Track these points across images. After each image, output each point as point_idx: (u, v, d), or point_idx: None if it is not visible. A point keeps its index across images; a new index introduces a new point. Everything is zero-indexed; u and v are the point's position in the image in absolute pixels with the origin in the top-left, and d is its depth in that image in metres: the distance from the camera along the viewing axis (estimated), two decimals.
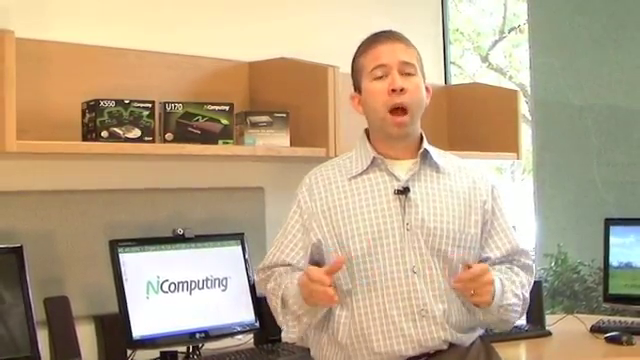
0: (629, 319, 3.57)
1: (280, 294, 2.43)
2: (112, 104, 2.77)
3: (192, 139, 2.95)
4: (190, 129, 2.96)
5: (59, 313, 2.72)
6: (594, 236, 3.87)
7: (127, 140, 2.79)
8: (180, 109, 2.96)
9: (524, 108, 6.51)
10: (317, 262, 2.48)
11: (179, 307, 2.95)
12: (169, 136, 2.94)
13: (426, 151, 2.48)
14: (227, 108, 3.03)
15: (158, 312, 2.90)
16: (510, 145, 3.96)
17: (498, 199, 2.54)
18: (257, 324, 3.13)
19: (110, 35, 3.05)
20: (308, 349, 2.61)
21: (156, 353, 2.96)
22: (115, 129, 2.77)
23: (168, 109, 2.95)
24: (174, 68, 3.21)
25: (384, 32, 2.51)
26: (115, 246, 2.86)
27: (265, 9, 3.57)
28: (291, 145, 3.19)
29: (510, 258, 2.52)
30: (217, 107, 3.01)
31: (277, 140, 3.16)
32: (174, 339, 2.94)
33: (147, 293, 2.89)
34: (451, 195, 2.46)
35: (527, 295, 2.51)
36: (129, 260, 2.87)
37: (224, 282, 3.09)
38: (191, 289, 3.00)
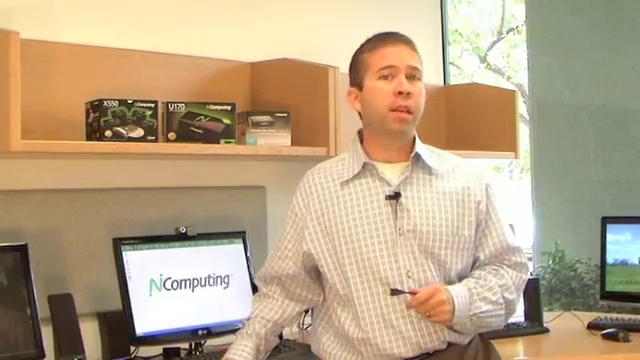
0: (625, 316, 3.57)
1: (242, 329, 2.54)
2: (116, 104, 2.77)
3: (194, 138, 2.95)
4: (193, 129, 2.96)
5: (63, 310, 2.72)
6: (591, 234, 3.87)
7: (130, 139, 2.78)
8: (183, 109, 2.96)
9: (522, 108, 6.52)
10: (310, 269, 2.49)
11: (182, 304, 2.95)
12: (172, 135, 2.94)
13: (418, 154, 2.44)
14: (229, 108, 3.03)
15: (161, 309, 2.90)
16: (508, 144, 3.96)
17: (492, 197, 2.51)
18: None
19: (113, 36, 3.04)
20: (308, 345, 2.61)
21: (159, 350, 2.96)
22: (119, 129, 2.77)
23: (171, 109, 2.95)
24: (177, 68, 3.21)
25: (393, 33, 2.48)
26: (119, 244, 2.86)
27: (267, 11, 3.57)
28: (292, 144, 3.19)
29: (500, 257, 2.48)
30: (219, 107, 3.01)
31: (278, 139, 3.16)
32: (177, 336, 2.93)
33: (150, 290, 2.89)
34: (444, 198, 2.43)
35: (514, 295, 2.46)
36: (132, 258, 2.87)
37: (226, 280, 3.09)
38: (193, 286, 3.00)
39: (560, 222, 5.12)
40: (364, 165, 2.43)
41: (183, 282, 2.97)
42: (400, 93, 2.38)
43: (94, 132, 2.78)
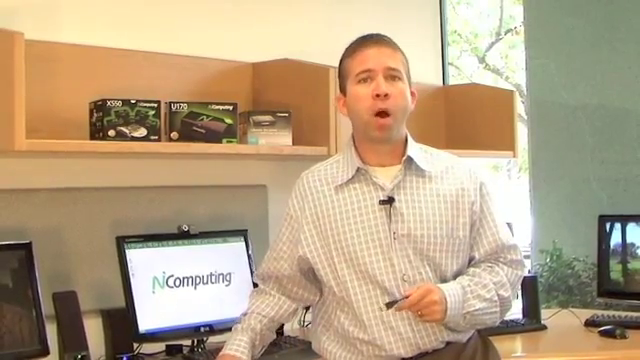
0: (622, 313, 3.57)
1: (238, 324, 2.54)
2: (119, 104, 2.77)
3: (197, 138, 2.95)
4: (195, 128, 2.96)
5: (67, 307, 2.72)
6: (588, 232, 3.87)
7: (133, 139, 2.79)
8: (185, 109, 2.96)
9: (520, 108, 6.51)
10: (307, 270, 2.48)
11: (184, 302, 2.95)
12: (174, 135, 2.94)
13: (410, 158, 2.42)
14: (231, 108, 3.03)
15: (164, 306, 2.90)
16: (506, 144, 3.96)
17: (486, 197, 2.48)
18: None
19: (117, 37, 3.04)
20: (309, 342, 2.61)
21: (162, 346, 2.96)
22: (122, 128, 2.77)
23: (173, 109, 2.95)
24: (179, 69, 3.21)
25: (372, 35, 2.46)
26: (122, 242, 2.86)
27: (268, 12, 3.57)
28: (293, 144, 3.19)
29: (496, 256, 2.46)
30: (221, 107, 3.01)
31: (280, 139, 3.16)
32: (179, 333, 2.94)
33: (153, 288, 2.89)
34: (437, 200, 2.41)
35: (509, 292, 2.44)
36: (135, 256, 2.87)
37: (228, 277, 3.09)
38: (196, 284, 3.00)
39: (558, 220, 5.12)
40: (357, 170, 2.42)
41: (185, 280, 2.97)
42: (377, 96, 2.35)
43: (98, 132, 2.78)
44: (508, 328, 3.29)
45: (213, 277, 3.05)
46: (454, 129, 4.12)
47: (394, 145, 2.44)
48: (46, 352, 2.63)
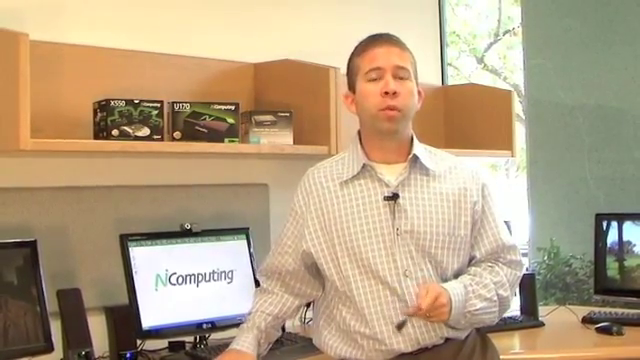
0: (619, 310, 3.57)
1: (244, 324, 2.55)
2: (122, 104, 2.77)
3: (199, 137, 2.95)
4: (197, 128, 2.96)
5: (71, 304, 2.71)
6: (585, 230, 3.87)
7: (137, 138, 2.78)
8: (188, 108, 2.96)
9: (518, 108, 6.51)
10: (310, 265, 2.49)
11: (187, 299, 2.95)
12: (177, 134, 2.94)
13: (415, 156, 2.43)
14: (233, 108, 3.03)
15: (166, 304, 2.90)
16: (504, 143, 3.95)
17: (488, 197, 2.50)
18: None
19: (120, 38, 3.04)
20: (310, 338, 2.61)
21: (164, 343, 2.96)
22: (125, 128, 2.77)
23: (176, 108, 2.95)
24: (182, 69, 3.20)
25: (381, 35, 2.47)
26: (125, 240, 2.86)
27: (269, 14, 3.57)
28: (294, 143, 3.18)
29: (496, 256, 2.48)
30: (223, 107, 3.01)
31: (281, 138, 3.16)
32: (182, 329, 2.93)
33: (156, 285, 2.89)
34: (441, 199, 2.42)
35: (508, 292, 2.45)
36: (139, 254, 2.87)
37: (230, 275, 3.08)
38: (198, 281, 3.00)
39: (555, 219, 5.12)
40: (363, 166, 2.43)
41: (188, 277, 2.97)
42: (386, 93, 2.37)
43: (101, 131, 2.78)
44: (506, 325, 3.29)
45: (215, 275, 3.05)
46: (453, 129, 4.12)
47: (400, 142, 2.45)
48: (50, 348, 2.62)
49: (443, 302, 2.29)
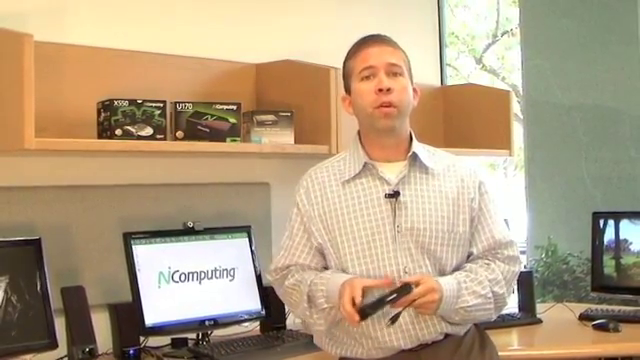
0: (615, 307, 3.57)
1: (306, 290, 2.40)
2: (126, 104, 2.76)
3: (201, 137, 2.95)
4: (200, 127, 2.95)
5: (75, 302, 2.71)
6: (582, 229, 3.86)
7: (140, 138, 2.78)
8: (190, 108, 2.95)
9: (516, 107, 6.52)
10: (317, 263, 2.47)
11: (189, 296, 2.95)
12: (180, 134, 2.93)
13: (415, 154, 2.44)
14: (235, 107, 3.02)
15: (169, 301, 2.89)
16: (503, 142, 3.95)
17: (485, 195, 2.50)
18: (263, 312, 3.12)
19: (123, 38, 3.04)
20: (311, 335, 2.61)
21: (167, 340, 2.96)
22: (128, 127, 2.76)
23: (179, 108, 2.94)
24: (185, 70, 3.20)
25: (372, 36, 2.48)
26: (129, 238, 2.86)
27: (270, 15, 3.56)
28: (295, 142, 3.18)
29: (493, 252, 2.47)
30: (225, 106, 3.01)
31: (282, 138, 3.15)
32: (184, 326, 2.93)
33: (159, 283, 2.89)
34: (440, 196, 2.42)
35: (504, 289, 2.44)
36: (142, 252, 2.87)
37: (232, 272, 3.08)
38: (200, 279, 2.99)
39: (553, 217, 5.12)
40: (364, 165, 2.43)
41: (190, 275, 2.97)
42: (380, 90, 2.37)
43: (105, 131, 2.78)
44: (504, 322, 3.28)
45: (217, 272, 3.04)
46: (452, 128, 4.12)
47: (399, 140, 2.45)
48: (55, 345, 2.62)
49: (435, 298, 2.28)
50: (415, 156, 2.44)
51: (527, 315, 3.46)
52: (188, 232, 3.01)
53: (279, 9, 3.60)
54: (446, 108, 4.17)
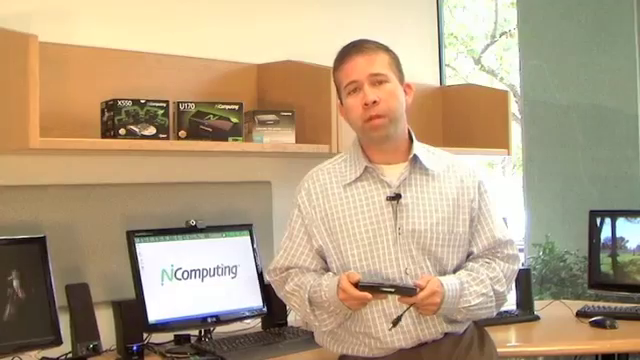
0: (612, 304, 3.57)
1: (306, 296, 2.40)
2: (129, 103, 2.76)
3: (204, 136, 2.95)
4: (202, 127, 2.96)
5: (79, 299, 2.72)
6: (579, 227, 3.86)
7: (143, 137, 2.78)
8: (193, 108, 2.95)
9: (514, 107, 6.52)
10: (317, 264, 2.47)
11: (192, 293, 2.95)
12: (182, 133, 2.94)
13: (415, 156, 2.43)
14: (237, 107, 3.02)
15: (172, 298, 2.90)
16: (501, 142, 3.95)
17: (484, 194, 2.50)
18: (265, 309, 3.12)
19: (127, 39, 3.04)
20: (312, 332, 2.61)
21: (170, 336, 2.96)
22: (132, 127, 2.77)
23: (182, 108, 2.94)
24: (187, 70, 3.20)
25: (354, 44, 2.44)
26: (132, 236, 2.86)
27: (271, 16, 3.56)
28: (296, 142, 3.18)
29: (493, 251, 2.48)
30: (227, 106, 3.01)
31: (283, 137, 3.15)
32: (187, 323, 2.93)
33: (162, 280, 2.89)
34: (440, 198, 2.42)
35: (504, 287, 2.45)
36: (145, 249, 2.87)
37: (234, 270, 3.08)
38: (203, 276, 3.00)
39: (550, 215, 5.12)
40: (365, 168, 2.42)
41: (193, 272, 2.97)
42: (366, 104, 2.36)
43: (109, 130, 2.78)
44: (503, 319, 3.28)
45: (219, 270, 3.04)
46: (451, 128, 4.11)
47: (397, 143, 2.44)
48: (59, 342, 2.63)
49: (436, 301, 2.28)
50: (416, 158, 2.43)
51: (525, 312, 3.46)
52: (191, 230, 3.02)
53: (280, 11, 3.60)
54: (445, 108, 4.17)
